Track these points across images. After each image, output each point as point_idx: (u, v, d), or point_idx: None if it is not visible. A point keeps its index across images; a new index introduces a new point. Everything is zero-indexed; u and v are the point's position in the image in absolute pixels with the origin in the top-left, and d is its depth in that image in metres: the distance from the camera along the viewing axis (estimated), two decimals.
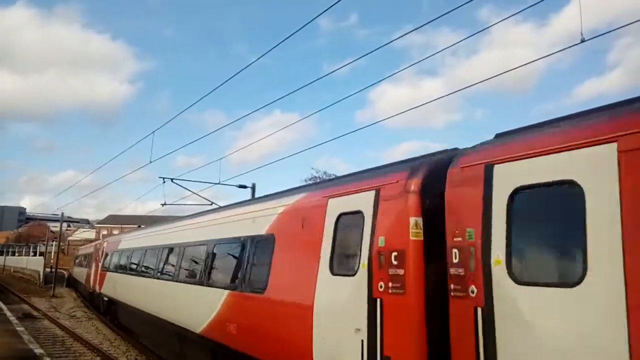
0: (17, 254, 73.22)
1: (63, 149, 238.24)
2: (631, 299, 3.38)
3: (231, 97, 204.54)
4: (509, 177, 4.46)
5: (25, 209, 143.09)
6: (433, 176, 5.40)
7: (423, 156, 6.33)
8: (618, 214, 3.57)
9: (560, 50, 8.31)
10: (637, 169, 3.56)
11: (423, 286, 5.11)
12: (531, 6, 7.92)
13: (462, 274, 4.67)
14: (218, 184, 22.13)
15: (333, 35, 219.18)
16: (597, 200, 3.72)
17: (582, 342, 3.64)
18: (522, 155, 4.38)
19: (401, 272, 5.28)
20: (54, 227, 68.68)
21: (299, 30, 10.55)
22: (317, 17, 10.11)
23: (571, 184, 3.92)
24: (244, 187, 23.15)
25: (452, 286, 4.74)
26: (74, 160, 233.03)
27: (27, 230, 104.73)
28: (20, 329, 16.57)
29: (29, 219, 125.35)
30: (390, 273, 5.40)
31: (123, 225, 64.47)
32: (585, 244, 3.73)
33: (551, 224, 4.23)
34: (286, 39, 11.01)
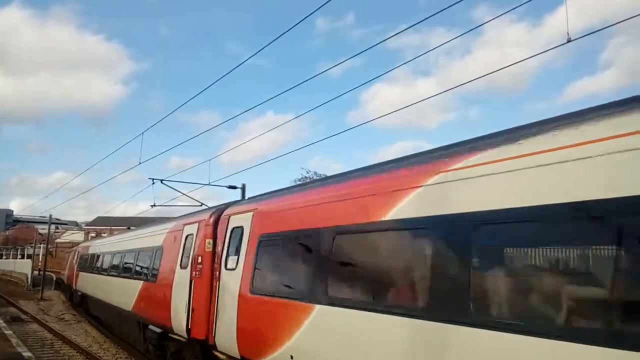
0: (4, 257, 72.41)
1: (55, 151, 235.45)
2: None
3: (227, 99, 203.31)
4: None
5: (12, 211, 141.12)
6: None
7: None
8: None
9: (547, 50, 8.43)
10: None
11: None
12: (523, 4, 7.97)
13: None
14: (208, 184, 22.04)
15: (329, 35, 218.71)
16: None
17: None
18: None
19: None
20: (42, 229, 67.95)
21: (294, 26, 10.57)
22: (312, 13, 10.07)
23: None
24: (234, 187, 23.13)
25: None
26: (66, 162, 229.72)
27: (15, 232, 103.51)
28: (8, 332, 16.44)
29: (17, 221, 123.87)
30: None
31: (112, 227, 64.01)
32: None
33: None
34: (281, 35, 11.07)
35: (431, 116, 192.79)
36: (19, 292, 38.58)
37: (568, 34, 7.31)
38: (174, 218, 13.82)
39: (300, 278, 6.96)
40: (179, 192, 21.93)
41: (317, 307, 6.18)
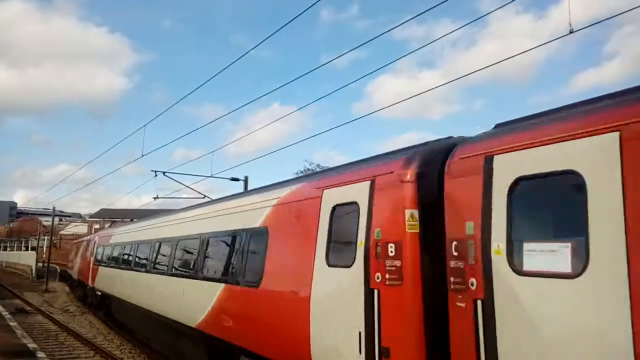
0: (8, 249, 72.89)
1: (58, 143, 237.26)
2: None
3: (231, 92, 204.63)
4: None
5: (16, 203, 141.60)
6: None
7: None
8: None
9: (550, 41, 8.30)
10: None
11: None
12: None
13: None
14: (210, 177, 22.08)
15: (333, 27, 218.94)
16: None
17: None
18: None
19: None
20: (46, 221, 68.29)
21: (298, 16, 10.43)
22: (315, 3, 9.93)
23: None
24: (237, 179, 23.15)
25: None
26: (69, 154, 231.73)
27: (19, 224, 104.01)
28: (13, 323, 16.54)
29: (21, 213, 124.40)
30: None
31: (116, 220, 64.27)
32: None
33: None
34: (285, 25, 11.04)
35: (436, 108, 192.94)
36: (24, 284, 38.81)
37: (570, 24, 7.26)
38: (283, 182, 8.44)
39: None
40: (182, 184, 21.98)
41: None
